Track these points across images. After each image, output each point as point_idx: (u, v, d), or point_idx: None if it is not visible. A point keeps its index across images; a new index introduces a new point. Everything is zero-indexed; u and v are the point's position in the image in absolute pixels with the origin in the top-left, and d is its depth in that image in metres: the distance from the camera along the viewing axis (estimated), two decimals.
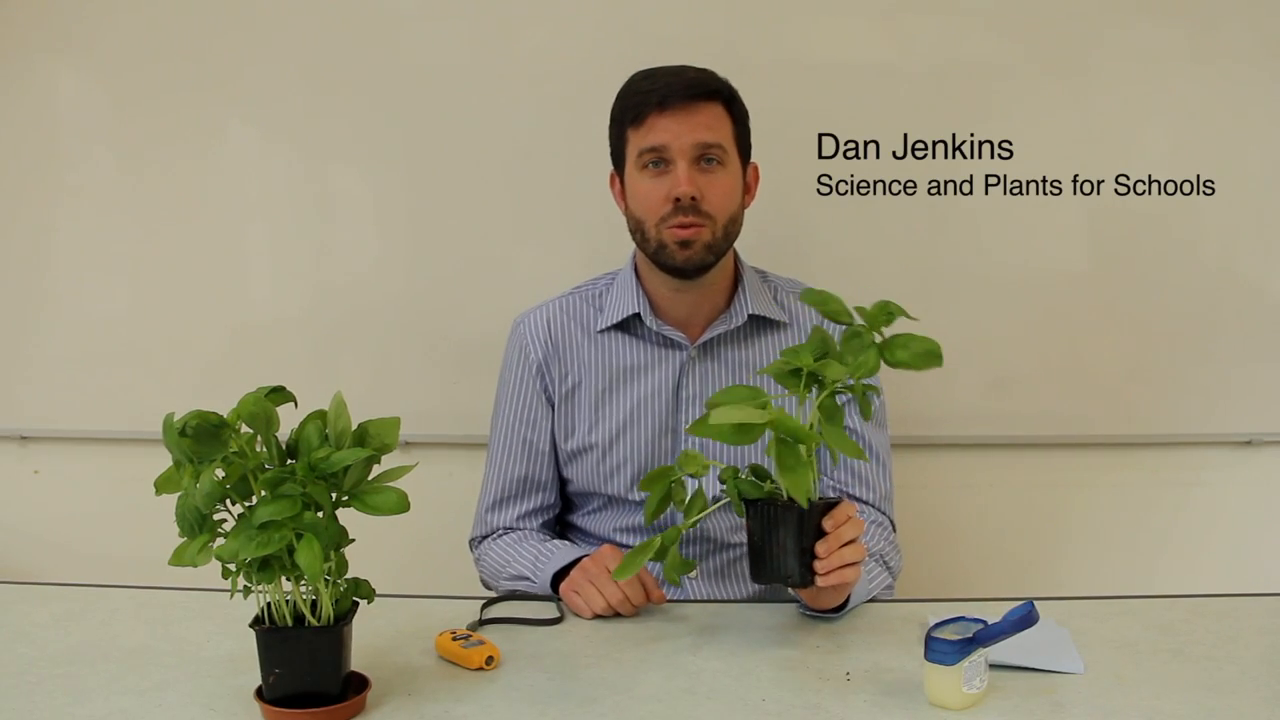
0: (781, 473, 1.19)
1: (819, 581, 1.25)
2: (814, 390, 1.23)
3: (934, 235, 2.02)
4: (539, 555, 1.53)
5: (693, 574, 1.58)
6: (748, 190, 1.60)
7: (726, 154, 1.52)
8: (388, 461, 1.11)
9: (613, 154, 1.60)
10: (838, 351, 1.24)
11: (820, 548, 1.24)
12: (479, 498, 1.66)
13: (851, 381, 1.22)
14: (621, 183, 1.59)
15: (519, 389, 1.64)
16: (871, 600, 1.45)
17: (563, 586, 1.44)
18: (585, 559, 1.44)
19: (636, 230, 1.56)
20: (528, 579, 1.52)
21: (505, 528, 1.63)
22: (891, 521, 1.61)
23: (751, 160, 1.61)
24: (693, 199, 1.48)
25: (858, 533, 1.27)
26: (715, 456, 1.54)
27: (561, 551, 1.51)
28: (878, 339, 1.23)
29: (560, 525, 1.69)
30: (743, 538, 1.57)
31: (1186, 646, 1.27)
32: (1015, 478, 2.11)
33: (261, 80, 2.03)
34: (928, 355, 1.21)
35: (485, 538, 1.64)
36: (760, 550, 1.26)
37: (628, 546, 1.58)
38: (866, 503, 1.59)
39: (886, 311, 1.23)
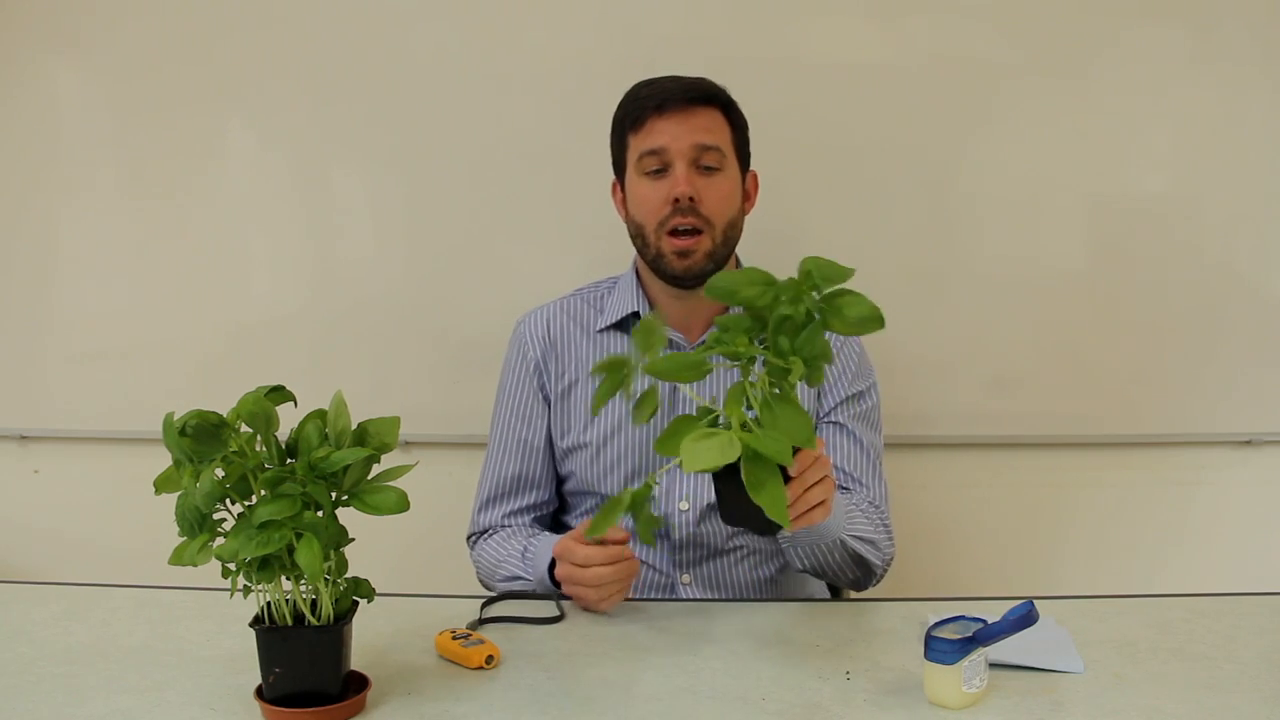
0: (754, 492, 1.08)
1: (790, 529, 1.20)
2: (758, 363, 1.12)
3: (934, 235, 2.02)
4: (526, 551, 1.53)
5: (686, 580, 1.59)
6: (747, 198, 1.61)
7: (725, 158, 1.53)
8: (388, 461, 1.11)
9: (614, 161, 1.61)
10: (772, 327, 1.09)
11: (788, 492, 1.19)
12: (475, 495, 1.66)
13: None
14: (623, 190, 1.60)
15: (517, 386, 1.64)
16: (871, 600, 1.45)
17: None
18: (556, 556, 1.41)
19: (637, 236, 1.57)
20: (522, 578, 1.51)
21: (497, 525, 1.63)
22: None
23: (751, 169, 1.62)
24: (691, 200, 1.49)
25: (824, 472, 1.25)
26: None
27: (545, 544, 1.49)
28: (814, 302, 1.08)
29: (556, 526, 1.69)
30: (737, 542, 1.58)
31: (1186, 646, 1.27)
32: (1015, 478, 2.11)
33: (262, 80, 2.03)
34: (865, 321, 1.07)
35: (479, 536, 1.64)
36: (729, 498, 1.22)
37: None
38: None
39: (810, 280, 1.07)
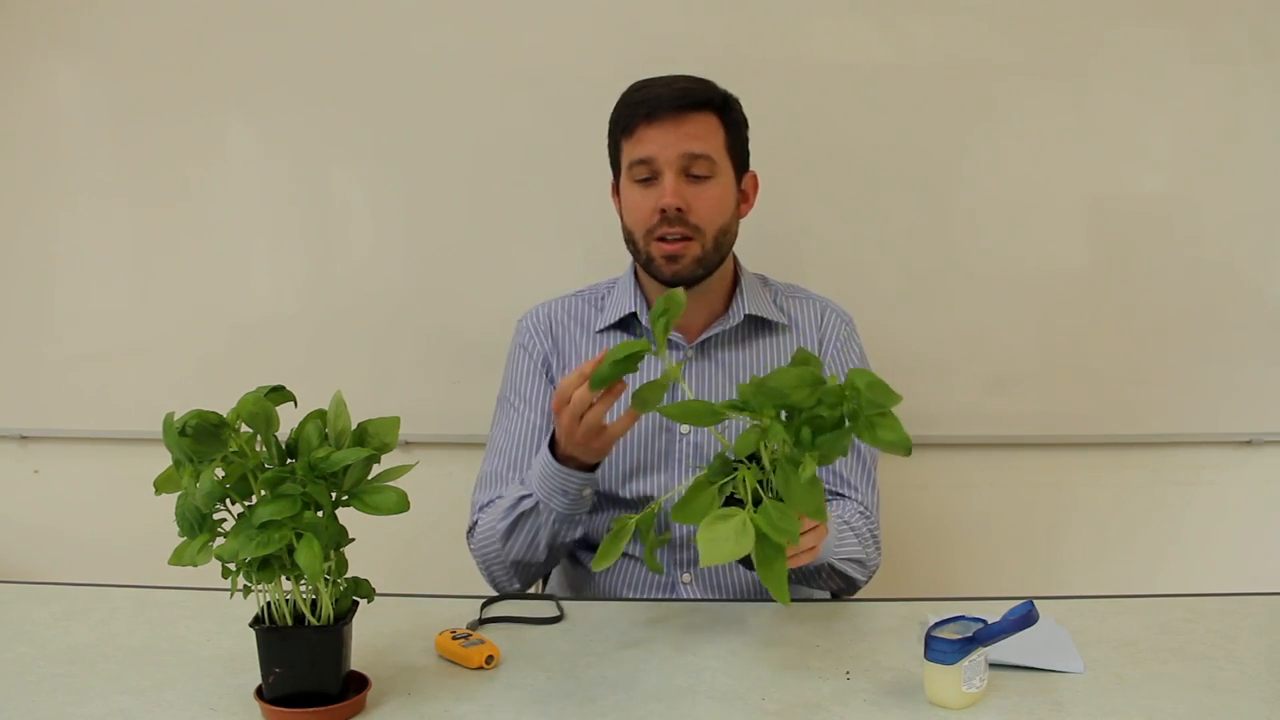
0: (762, 570, 1.09)
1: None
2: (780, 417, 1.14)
3: (934, 235, 2.02)
4: (522, 480, 1.50)
5: (686, 579, 1.58)
6: (745, 199, 1.60)
7: (716, 165, 1.52)
8: (387, 461, 1.11)
9: (611, 164, 1.60)
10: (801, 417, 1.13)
11: None
12: (477, 491, 1.60)
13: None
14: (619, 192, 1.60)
15: (527, 378, 1.63)
16: (871, 600, 1.45)
17: (570, 452, 1.38)
18: (554, 413, 1.36)
19: (629, 241, 1.57)
20: (525, 496, 1.46)
21: None
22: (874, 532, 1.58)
23: (750, 169, 1.60)
24: (679, 210, 1.49)
25: (818, 521, 1.25)
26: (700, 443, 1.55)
27: (539, 454, 1.45)
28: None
29: None
30: None
31: (1186, 646, 1.27)
32: (1015, 478, 2.11)
33: (263, 80, 2.04)
34: (893, 445, 1.09)
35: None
36: None
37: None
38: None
39: (857, 395, 1.10)
